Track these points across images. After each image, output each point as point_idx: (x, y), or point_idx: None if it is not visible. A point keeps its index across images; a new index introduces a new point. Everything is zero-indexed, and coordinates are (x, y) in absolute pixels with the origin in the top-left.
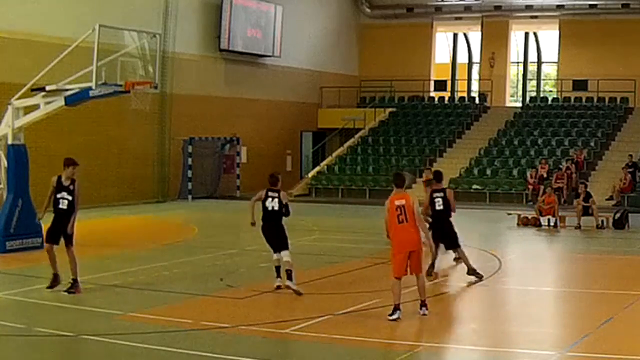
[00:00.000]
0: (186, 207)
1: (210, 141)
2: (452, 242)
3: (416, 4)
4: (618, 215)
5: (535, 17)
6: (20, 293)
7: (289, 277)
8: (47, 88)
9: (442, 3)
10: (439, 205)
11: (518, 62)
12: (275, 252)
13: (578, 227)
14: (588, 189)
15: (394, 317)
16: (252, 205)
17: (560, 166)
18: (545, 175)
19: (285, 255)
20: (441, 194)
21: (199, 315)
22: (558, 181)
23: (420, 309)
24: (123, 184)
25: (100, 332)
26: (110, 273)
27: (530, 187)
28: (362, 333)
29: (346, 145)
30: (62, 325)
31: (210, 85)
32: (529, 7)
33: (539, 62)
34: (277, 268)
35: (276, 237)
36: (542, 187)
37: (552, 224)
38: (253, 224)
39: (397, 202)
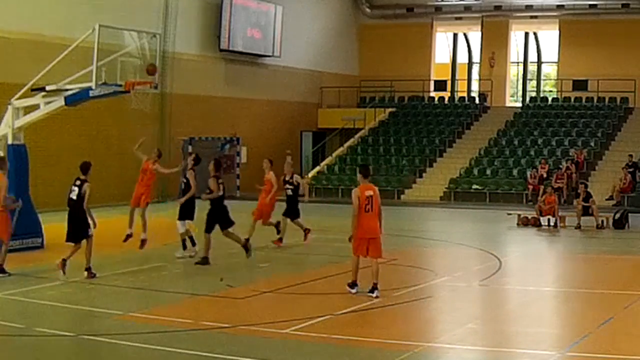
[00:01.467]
0: None
1: (210, 141)
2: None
3: (416, 4)
4: (618, 215)
5: (535, 17)
6: (20, 293)
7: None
8: (47, 88)
9: (442, 3)
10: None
11: (518, 62)
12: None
13: (578, 227)
14: (588, 189)
15: (354, 291)
16: None
17: (560, 166)
18: (545, 175)
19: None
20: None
21: (198, 315)
22: (558, 181)
23: (373, 292)
24: (123, 184)
25: (100, 332)
26: (110, 273)
27: (530, 187)
28: (362, 333)
29: (346, 145)
30: (62, 325)
31: (210, 85)
32: (529, 7)
33: (539, 62)
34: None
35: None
36: (542, 187)
37: (552, 224)
38: None
39: (366, 193)
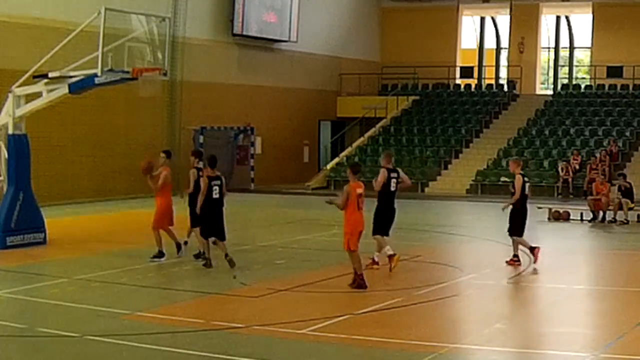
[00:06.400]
0: None
1: (223, 131)
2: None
3: None
4: None
5: (567, 0)
6: (21, 291)
7: None
8: (50, 75)
9: None
10: None
11: (549, 48)
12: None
13: (613, 221)
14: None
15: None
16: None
17: (594, 156)
18: (578, 168)
19: None
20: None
21: (210, 314)
22: (592, 172)
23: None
24: (131, 176)
25: (106, 332)
26: (117, 270)
27: (562, 179)
28: (384, 333)
29: (367, 135)
30: (66, 325)
31: (223, 71)
32: None
33: (571, 48)
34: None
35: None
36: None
37: (608, 218)
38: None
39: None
